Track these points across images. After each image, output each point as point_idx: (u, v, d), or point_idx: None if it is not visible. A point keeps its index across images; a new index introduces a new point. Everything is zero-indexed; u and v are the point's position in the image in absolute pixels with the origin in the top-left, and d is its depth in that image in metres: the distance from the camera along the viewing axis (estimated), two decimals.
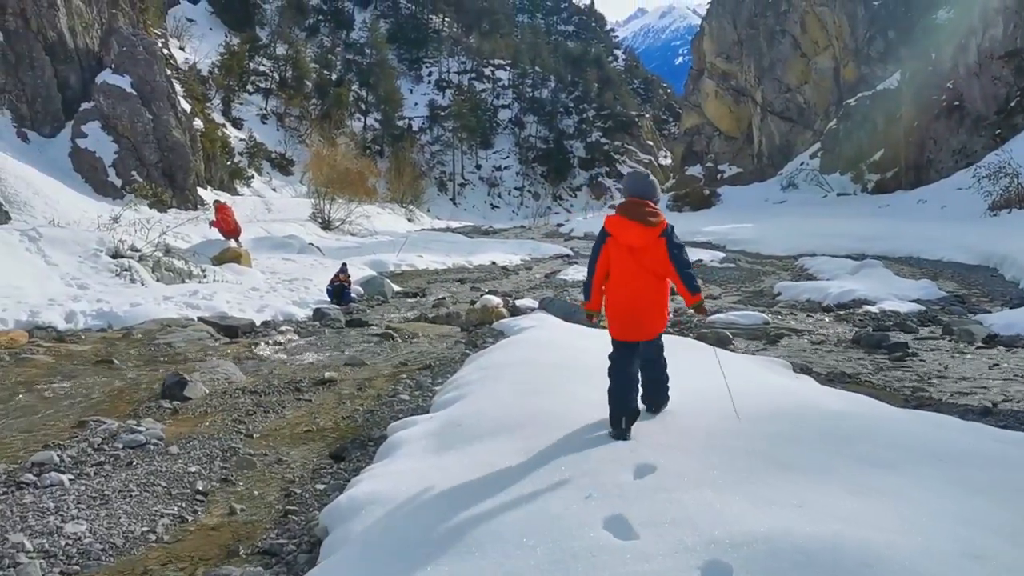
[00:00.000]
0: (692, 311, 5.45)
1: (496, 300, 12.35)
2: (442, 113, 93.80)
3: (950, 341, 9.79)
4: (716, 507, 3.52)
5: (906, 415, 5.46)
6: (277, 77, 72.50)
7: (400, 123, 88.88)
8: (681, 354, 6.89)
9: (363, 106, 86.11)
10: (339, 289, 15.88)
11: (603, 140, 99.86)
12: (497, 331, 10.84)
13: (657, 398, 5.42)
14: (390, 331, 11.37)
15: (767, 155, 60.43)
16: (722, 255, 26.17)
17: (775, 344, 10.07)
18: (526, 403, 5.35)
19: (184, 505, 5.03)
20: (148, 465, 5.71)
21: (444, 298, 17.23)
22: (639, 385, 5.20)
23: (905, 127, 48.28)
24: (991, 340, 9.50)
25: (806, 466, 4.09)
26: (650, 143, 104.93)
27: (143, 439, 6.17)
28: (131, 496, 5.11)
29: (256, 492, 5.30)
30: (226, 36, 68.62)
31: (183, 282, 16.55)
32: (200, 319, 12.28)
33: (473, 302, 14.25)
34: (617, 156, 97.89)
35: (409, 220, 50.97)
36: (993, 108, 44.62)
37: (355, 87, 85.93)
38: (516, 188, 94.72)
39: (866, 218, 34.79)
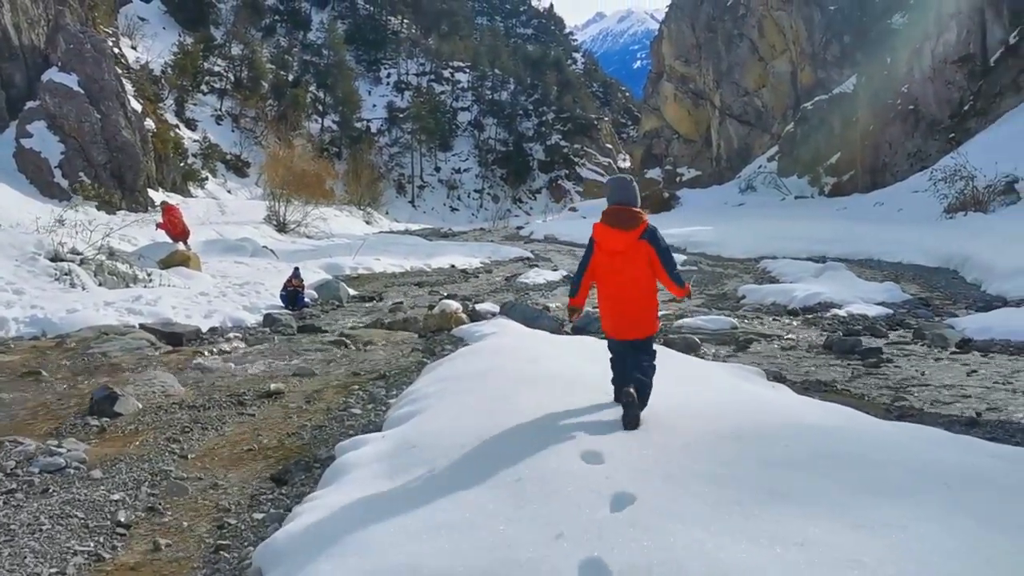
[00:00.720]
0: (686, 298, 5.98)
1: (455, 305, 11.83)
2: (401, 115, 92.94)
3: (922, 346, 9.50)
4: (708, 548, 3.07)
5: (896, 430, 5.07)
6: (232, 77, 71.26)
7: (358, 125, 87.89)
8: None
9: (320, 107, 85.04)
10: (292, 294, 15.27)
11: (563, 143, 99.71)
12: (456, 338, 10.34)
13: (639, 399, 5.29)
14: (344, 338, 10.80)
15: (726, 158, 60.63)
16: (683, 258, 25.92)
17: (744, 350, 9.70)
18: (489, 421, 4.85)
19: (102, 540, 4.44)
20: (65, 492, 5.11)
21: (401, 302, 16.68)
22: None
23: (861, 131, 48.67)
24: (965, 345, 9.22)
25: (803, 495, 3.66)
26: (609, 146, 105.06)
27: (63, 462, 5.56)
28: (41, 530, 4.51)
29: (186, 523, 4.73)
30: (179, 35, 67.28)
31: (127, 287, 15.80)
32: (141, 326, 11.61)
33: (431, 307, 13.74)
34: (576, 159, 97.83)
35: (367, 222, 50.20)
36: (947, 112, 45.10)
37: (312, 88, 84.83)
38: (476, 190, 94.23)
39: (824, 220, 34.85)
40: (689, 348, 9.52)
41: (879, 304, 13.70)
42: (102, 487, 5.21)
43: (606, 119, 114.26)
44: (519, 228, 52.98)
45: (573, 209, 61.24)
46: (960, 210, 30.96)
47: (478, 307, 13.69)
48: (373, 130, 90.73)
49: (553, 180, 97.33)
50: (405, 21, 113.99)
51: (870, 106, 48.40)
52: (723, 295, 17.28)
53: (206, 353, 9.83)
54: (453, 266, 25.38)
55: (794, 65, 57.39)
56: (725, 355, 9.47)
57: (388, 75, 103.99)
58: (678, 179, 62.38)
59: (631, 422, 4.90)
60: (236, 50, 73.39)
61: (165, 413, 7.03)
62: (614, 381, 5.49)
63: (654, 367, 5.56)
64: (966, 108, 44.02)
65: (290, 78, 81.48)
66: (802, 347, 9.73)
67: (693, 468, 4.00)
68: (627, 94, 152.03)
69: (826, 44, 55.49)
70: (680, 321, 11.46)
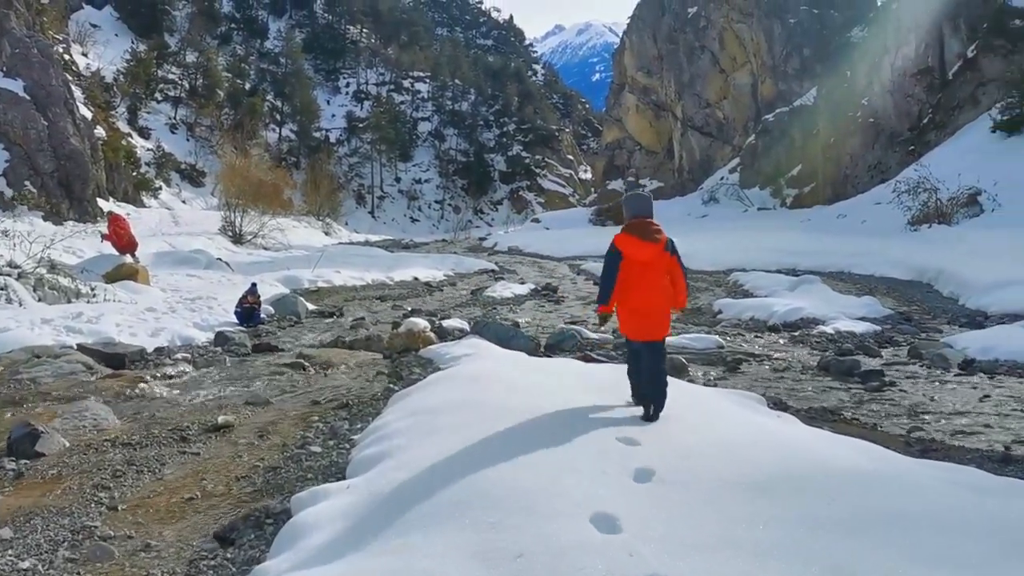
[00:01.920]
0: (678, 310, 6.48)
1: (422, 323, 11.04)
2: (360, 125, 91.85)
3: (922, 367, 8.95)
4: None
5: (937, 474, 4.42)
6: (187, 86, 69.82)
7: (317, 134, 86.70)
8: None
9: (278, 117, 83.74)
10: (248, 311, 14.37)
11: (524, 154, 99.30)
12: (425, 360, 9.55)
13: (657, 395, 5.70)
14: (302, 359, 9.95)
15: (688, 169, 60.56)
16: None
17: (735, 372, 9.07)
18: (473, 470, 4.08)
19: None
20: None
21: (363, 318, 15.85)
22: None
23: (822, 143, 48.82)
24: (968, 366, 8.68)
25: (874, 573, 2.96)
26: (571, 157, 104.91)
27: None
28: None
29: None
30: (132, 42, 65.80)
31: (69, 302, 14.79)
32: (79, 346, 10.65)
33: (396, 324, 12.95)
34: (538, 170, 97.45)
35: (326, 233, 49.20)
36: (906, 125, 45.35)
37: (270, 97, 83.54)
38: (436, 201, 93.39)
39: (791, 232, 34.62)
40: (676, 370, 8.85)
41: (861, 319, 13.22)
42: (10, 552, 4.35)
43: (567, 130, 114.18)
44: (482, 239, 52.26)
45: (536, 220, 60.62)
46: (924, 222, 30.89)
47: (445, 324, 12.95)
48: (332, 140, 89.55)
49: (514, 191, 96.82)
50: (364, 30, 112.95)
51: (831, 118, 48.59)
52: (698, 309, 16.70)
53: (149, 378, 8.92)
54: (416, 279, 24.57)
55: (755, 77, 57.55)
56: (715, 378, 8.82)
57: (347, 84, 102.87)
58: (640, 190, 62.13)
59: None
60: (191, 58, 71.91)
61: (96, 452, 6.15)
62: (632, 376, 6.09)
63: (665, 371, 6.01)
64: (925, 121, 44.29)
65: (247, 86, 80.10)
66: (796, 368, 9.12)
67: (730, 536, 3.29)
68: (587, 106, 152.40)
69: (787, 57, 55.72)
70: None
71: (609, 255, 6.10)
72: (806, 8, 54.81)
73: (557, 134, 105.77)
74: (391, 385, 8.28)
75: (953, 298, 16.44)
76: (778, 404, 7.11)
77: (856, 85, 47.57)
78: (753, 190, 52.68)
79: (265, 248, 32.78)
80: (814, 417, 6.70)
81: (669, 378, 6.11)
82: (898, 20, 46.55)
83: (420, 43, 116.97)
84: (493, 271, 28.06)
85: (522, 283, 22.77)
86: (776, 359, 9.76)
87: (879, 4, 53.73)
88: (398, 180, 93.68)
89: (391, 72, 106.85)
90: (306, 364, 9.63)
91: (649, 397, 5.72)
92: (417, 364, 9.38)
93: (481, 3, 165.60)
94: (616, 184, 65.21)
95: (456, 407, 5.56)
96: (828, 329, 11.76)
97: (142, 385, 8.47)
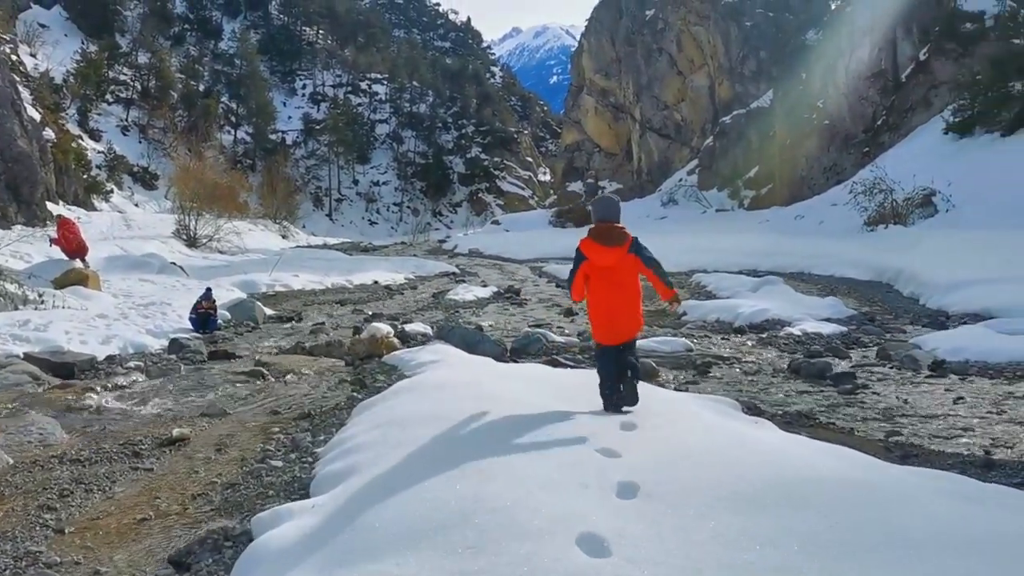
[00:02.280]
0: (668, 303, 6.55)
1: (385, 328, 10.74)
2: (317, 127, 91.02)
3: (892, 368, 8.87)
4: None
5: (926, 482, 4.26)
6: (139, 87, 68.64)
7: (273, 137, 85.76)
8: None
9: (233, 119, 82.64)
10: (204, 317, 13.96)
11: (483, 156, 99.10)
12: (390, 367, 9.27)
13: (629, 392, 5.92)
14: (260, 367, 9.60)
15: (646, 171, 60.75)
16: None
17: (705, 375, 8.92)
18: (446, 487, 3.82)
19: None
20: None
21: (323, 323, 15.51)
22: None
23: (779, 145, 49.23)
24: (939, 367, 8.62)
25: None
26: (530, 159, 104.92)
27: None
28: None
29: None
30: (83, 43, 64.49)
31: (15, 309, 14.22)
32: (26, 355, 10.19)
33: (357, 329, 12.64)
34: (497, 172, 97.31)
35: (283, 237, 48.53)
36: (861, 127, 45.94)
37: (224, 99, 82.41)
38: (395, 204, 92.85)
39: (749, 234, 34.81)
40: (647, 374, 8.68)
41: (826, 321, 13.21)
42: None
43: (526, 132, 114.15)
44: (442, 242, 51.95)
45: (496, 222, 60.47)
46: (880, 223, 31.22)
47: (408, 328, 12.66)
48: (288, 142, 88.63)
49: (473, 193, 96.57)
50: (321, 32, 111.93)
51: (787, 121, 49.01)
52: (662, 312, 16.59)
53: (99, 389, 8.52)
54: (376, 282, 24.23)
55: (712, 80, 57.94)
56: (685, 382, 8.67)
57: (304, 86, 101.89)
58: (600, 192, 62.20)
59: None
60: (143, 58, 70.69)
61: (41, 470, 5.79)
62: (604, 390, 5.99)
63: (639, 363, 6.34)
64: (879, 123, 44.89)
65: (200, 88, 78.99)
66: (766, 372, 9.00)
67: (730, 559, 3.08)
68: (545, 108, 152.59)
69: (743, 59, 56.16)
70: None
71: (575, 255, 6.27)
72: (762, 11, 55.31)
73: (516, 136, 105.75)
74: (355, 394, 7.99)
75: (914, 298, 16.53)
76: (752, 409, 6.96)
77: (811, 87, 48.03)
78: (711, 191, 53.00)
79: (221, 252, 32.18)
80: (790, 422, 6.55)
81: (643, 384, 5.92)
82: (852, 23, 47.10)
83: (377, 45, 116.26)
84: (454, 274, 27.80)
85: (484, 286, 22.55)
86: (745, 362, 9.64)
87: (833, 8, 54.41)
88: (356, 182, 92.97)
89: (348, 74, 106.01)
90: (265, 372, 9.29)
91: (623, 388, 5.89)
92: (381, 371, 9.10)
93: (439, 5, 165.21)
94: (575, 186, 65.26)
95: (424, 418, 5.31)
96: (795, 331, 11.69)
97: (92, 396, 8.08)
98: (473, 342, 9.93)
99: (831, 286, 19.40)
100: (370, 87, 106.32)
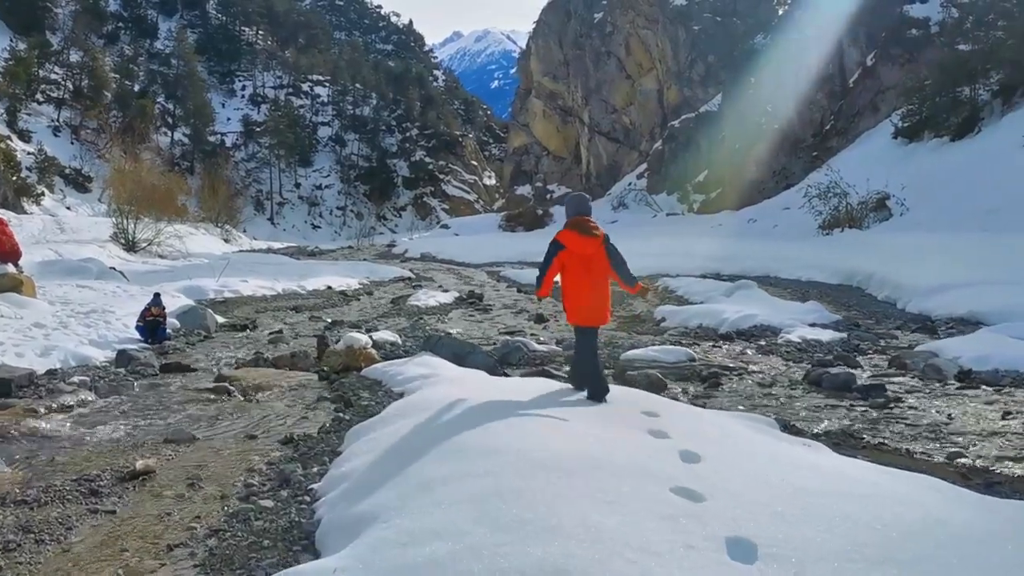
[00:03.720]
0: (640, 296, 7.50)
1: (363, 339, 9.83)
2: (258, 129, 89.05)
3: (914, 378, 8.29)
4: None
5: None
6: (71, 86, 66.17)
7: (212, 138, 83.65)
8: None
9: (170, 120, 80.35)
10: (152, 325, 12.87)
11: (427, 159, 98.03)
12: (371, 381, 8.40)
13: (594, 383, 6.42)
14: (224, 383, 8.64)
15: (595, 175, 60.43)
16: None
17: (717, 388, 8.24)
18: (525, 554, 2.99)
19: None
20: None
21: (281, 331, 14.52)
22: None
23: (728, 149, 49.17)
24: (966, 377, 8.06)
25: None
26: (475, 163, 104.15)
27: None
28: None
29: None
30: (11, 40, 61.89)
31: None
32: None
33: (322, 339, 11.71)
34: (442, 176, 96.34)
35: (226, 240, 47.03)
36: (810, 131, 46.23)
37: (161, 99, 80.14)
38: (338, 208, 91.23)
39: (706, 238, 34.50)
40: (654, 387, 8.00)
41: (812, 326, 12.70)
42: None
43: (470, 136, 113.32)
44: (390, 246, 50.86)
45: (445, 226, 59.59)
46: (836, 226, 31.17)
47: (375, 337, 11.78)
48: (228, 144, 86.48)
49: (418, 197, 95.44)
50: (260, 32, 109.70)
51: (736, 125, 48.98)
52: (636, 317, 15.99)
53: (43, 410, 7.47)
54: (330, 287, 23.18)
55: (661, 84, 57.85)
56: (698, 395, 7.97)
57: (243, 87, 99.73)
58: (548, 196, 61.73)
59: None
60: (75, 57, 68.18)
61: None
62: (583, 372, 6.59)
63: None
64: (828, 128, 45.22)
65: (136, 88, 76.56)
66: (782, 383, 8.35)
67: None
68: (488, 112, 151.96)
69: (691, 63, 56.17)
70: (632, 352, 9.91)
71: (550, 246, 6.69)
72: (710, 16, 55.39)
73: (461, 140, 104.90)
74: (340, 414, 7.09)
75: (890, 302, 16.21)
76: (788, 427, 6.29)
77: (760, 92, 48.08)
78: (661, 196, 52.82)
79: (161, 256, 30.76)
80: (838, 443, 5.89)
81: (683, 404, 5.22)
82: (800, 29, 47.36)
83: (319, 46, 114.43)
84: (409, 279, 26.89)
85: (445, 291, 21.72)
86: (754, 372, 8.99)
87: (780, 13, 54.77)
88: (298, 186, 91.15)
89: (289, 75, 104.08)
90: (231, 388, 8.32)
91: (584, 382, 6.47)
92: (362, 386, 8.21)
93: (380, 7, 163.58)
94: (524, 190, 64.73)
95: (445, 450, 4.47)
96: (793, 338, 11.11)
97: (35, 419, 7.05)
98: (463, 353, 9.11)
99: (802, 290, 18.99)
100: (312, 89, 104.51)
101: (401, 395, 7.25)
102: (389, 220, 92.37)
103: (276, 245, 52.91)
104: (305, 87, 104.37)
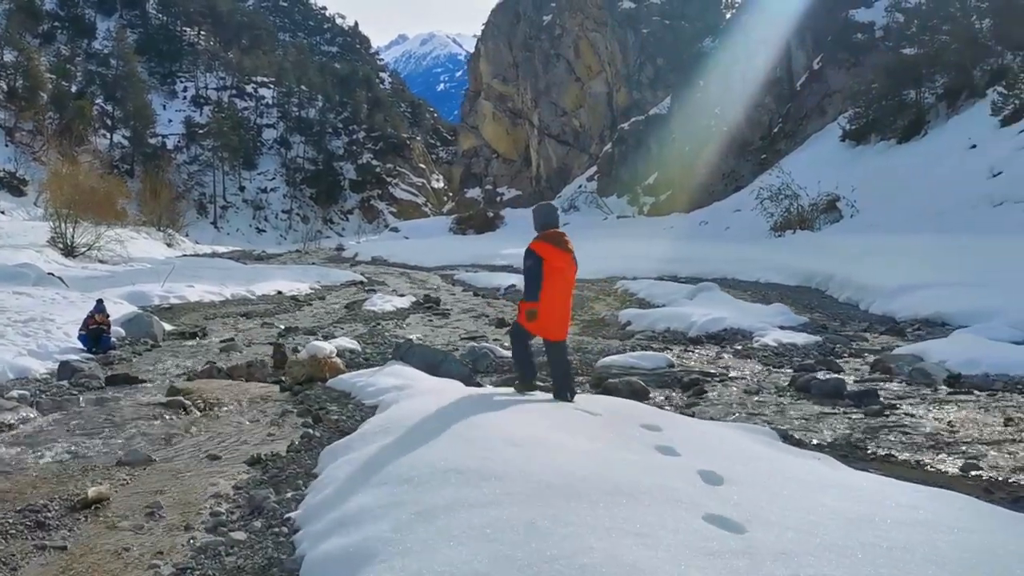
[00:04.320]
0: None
1: (327, 347, 9.29)
2: (200, 131, 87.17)
3: (900, 383, 8.06)
4: None
5: None
6: (5, 87, 63.96)
7: (153, 140, 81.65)
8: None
9: (109, 121, 78.21)
10: (96, 333, 12.17)
11: (374, 162, 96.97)
12: (338, 393, 7.91)
13: (569, 384, 6.72)
14: (179, 396, 8.05)
15: (545, 178, 60.30)
16: None
17: (701, 395, 7.91)
18: None
19: None
20: None
21: (232, 339, 13.90)
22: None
23: (678, 151, 49.37)
24: (956, 382, 7.83)
25: None
26: (423, 166, 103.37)
27: None
28: None
29: None
30: None
31: None
32: None
33: (278, 347, 11.16)
34: (389, 179, 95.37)
35: (168, 245, 45.81)
36: (758, 134, 46.61)
37: (99, 101, 77.96)
38: (284, 211, 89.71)
39: (660, 240, 34.43)
40: (637, 395, 7.66)
41: (781, 328, 12.50)
42: None
43: (418, 139, 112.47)
44: (340, 249, 50.02)
45: (395, 229, 58.83)
46: (787, 228, 31.34)
47: (333, 343, 11.23)
48: (170, 146, 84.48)
49: (365, 200, 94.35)
50: (202, 33, 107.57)
51: (685, 127, 49.22)
52: (599, 321, 15.67)
53: None
54: (280, 292, 22.51)
55: (610, 86, 57.95)
56: (681, 403, 7.64)
57: (185, 89, 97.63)
58: (498, 199, 61.44)
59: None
60: (9, 57, 65.99)
61: None
62: (522, 367, 7.04)
63: (571, 363, 7.34)
64: (776, 130, 45.64)
65: (73, 89, 74.33)
66: (768, 390, 8.05)
67: None
68: (435, 115, 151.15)
69: (640, 66, 56.33)
70: (609, 359, 9.54)
71: (532, 260, 6.67)
72: (658, 19, 55.61)
73: (408, 142, 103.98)
74: (310, 431, 6.58)
75: (852, 303, 16.18)
76: (788, 438, 5.98)
77: (709, 95, 48.37)
78: (611, 198, 52.85)
79: (102, 261, 29.73)
80: (844, 455, 5.58)
81: (680, 416, 4.86)
82: (747, 33, 47.76)
83: (263, 47, 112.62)
84: (362, 283, 26.29)
85: (401, 296, 21.21)
86: (736, 379, 8.70)
87: (728, 17, 55.24)
88: (242, 189, 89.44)
89: (232, 76, 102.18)
90: (186, 403, 7.73)
91: (564, 388, 6.60)
92: (329, 399, 7.72)
93: (325, 9, 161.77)
94: (474, 192, 64.31)
95: (440, 473, 4.01)
96: (768, 341, 10.86)
97: None
98: (435, 362, 8.64)
99: (761, 292, 18.88)
100: (256, 91, 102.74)
101: (374, 408, 6.78)
102: (336, 223, 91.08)
103: (221, 249, 51.65)
104: (249, 89, 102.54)
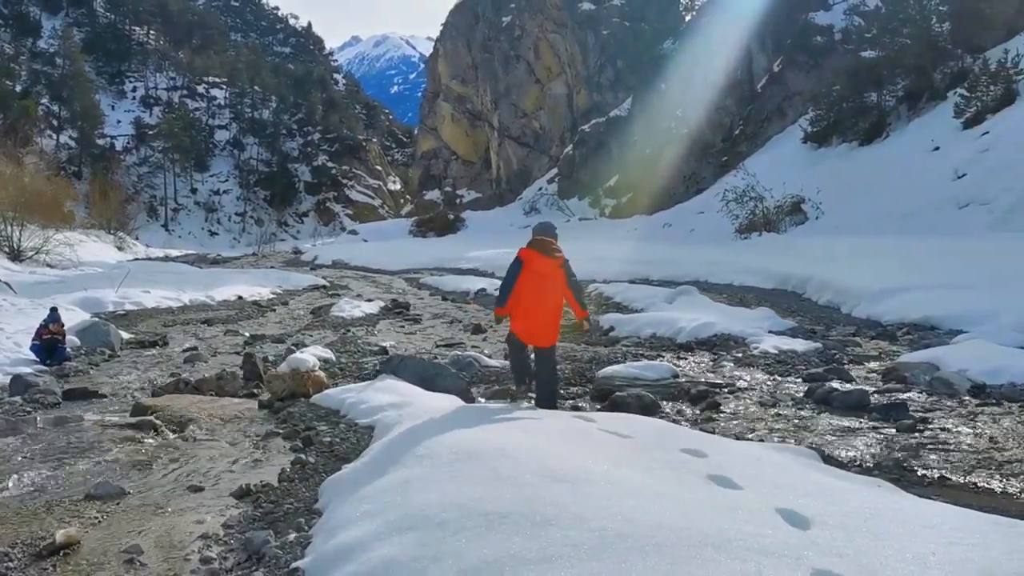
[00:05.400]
0: (583, 322, 7.53)
1: (310, 360, 8.58)
2: (150, 132, 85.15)
3: (921, 394, 7.64)
4: None
5: None
6: None
7: (101, 142, 79.61)
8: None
9: (55, 122, 76.07)
10: (51, 344, 11.35)
11: (330, 164, 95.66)
12: (324, 410, 7.26)
13: (549, 396, 6.96)
14: (148, 414, 7.34)
15: (505, 180, 59.82)
16: (499, 283, 23.69)
17: (716, 409, 7.41)
18: None
19: None
20: None
21: (196, 348, 13.15)
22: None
23: (639, 154, 49.19)
24: (981, 392, 7.42)
25: None
26: (379, 168, 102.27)
27: None
28: None
29: None
30: None
31: None
32: None
33: (248, 354, 10.48)
34: (345, 181, 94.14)
35: (119, 248, 44.50)
36: (719, 136, 46.57)
37: (45, 100, 75.72)
38: (237, 214, 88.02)
39: (623, 242, 34.10)
40: (647, 409, 7.16)
41: (771, 333, 12.12)
42: None
43: (374, 141, 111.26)
44: (298, 253, 49.01)
45: (353, 232, 57.82)
46: (753, 230, 31.18)
47: (303, 353, 10.53)
48: (118, 148, 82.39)
49: (321, 203, 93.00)
50: (152, 32, 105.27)
51: (646, 130, 49.09)
52: (577, 326, 15.13)
53: None
54: (241, 297, 21.69)
55: (570, 88, 57.67)
56: (695, 418, 7.14)
57: (134, 89, 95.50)
58: (458, 201, 60.82)
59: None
60: None
61: None
62: (517, 372, 7.30)
63: (556, 376, 7.50)
64: (736, 132, 45.65)
65: (17, 88, 72.04)
66: (784, 402, 7.57)
67: None
68: (390, 117, 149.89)
69: (601, 68, 56.15)
70: (609, 369, 9.02)
71: (512, 264, 6.91)
72: (618, 20, 55.46)
73: (364, 144, 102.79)
74: (301, 455, 5.93)
75: (833, 307, 15.90)
76: (829, 459, 5.50)
77: (670, 97, 48.26)
78: (572, 200, 52.55)
79: (50, 266, 28.58)
80: (896, 478, 5.12)
81: (716, 437, 4.34)
82: (707, 35, 47.73)
83: (215, 47, 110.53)
84: (325, 287, 25.52)
85: (369, 301, 20.52)
86: (745, 389, 8.23)
87: (688, 19, 55.25)
88: (194, 191, 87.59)
89: (183, 77, 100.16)
90: (156, 423, 7.01)
91: (544, 396, 6.88)
92: (316, 417, 7.07)
93: (277, 9, 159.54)
94: (433, 194, 63.60)
95: (484, 517, 3.40)
96: (767, 348, 10.42)
97: None
98: (430, 375, 8.02)
99: (738, 295, 18.54)
100: (208, 91, 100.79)
101: (370, 429, 6.18)
102: (291, 226, 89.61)
103: (174, 253, 50.37)
104: (200, 89, 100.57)
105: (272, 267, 35.47)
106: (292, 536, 4.24)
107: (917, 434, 6.24)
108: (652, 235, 36.83)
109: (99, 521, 4.77)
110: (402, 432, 5.37)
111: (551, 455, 4.24)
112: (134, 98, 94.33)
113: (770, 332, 12.19)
